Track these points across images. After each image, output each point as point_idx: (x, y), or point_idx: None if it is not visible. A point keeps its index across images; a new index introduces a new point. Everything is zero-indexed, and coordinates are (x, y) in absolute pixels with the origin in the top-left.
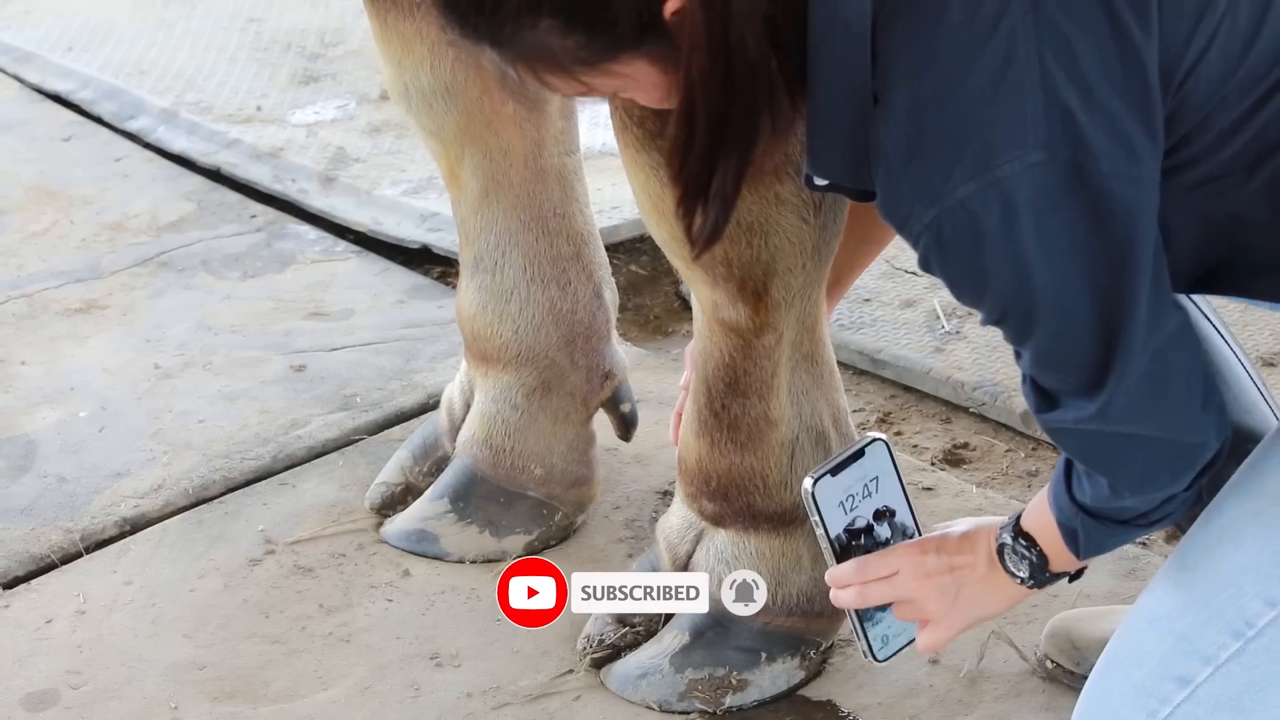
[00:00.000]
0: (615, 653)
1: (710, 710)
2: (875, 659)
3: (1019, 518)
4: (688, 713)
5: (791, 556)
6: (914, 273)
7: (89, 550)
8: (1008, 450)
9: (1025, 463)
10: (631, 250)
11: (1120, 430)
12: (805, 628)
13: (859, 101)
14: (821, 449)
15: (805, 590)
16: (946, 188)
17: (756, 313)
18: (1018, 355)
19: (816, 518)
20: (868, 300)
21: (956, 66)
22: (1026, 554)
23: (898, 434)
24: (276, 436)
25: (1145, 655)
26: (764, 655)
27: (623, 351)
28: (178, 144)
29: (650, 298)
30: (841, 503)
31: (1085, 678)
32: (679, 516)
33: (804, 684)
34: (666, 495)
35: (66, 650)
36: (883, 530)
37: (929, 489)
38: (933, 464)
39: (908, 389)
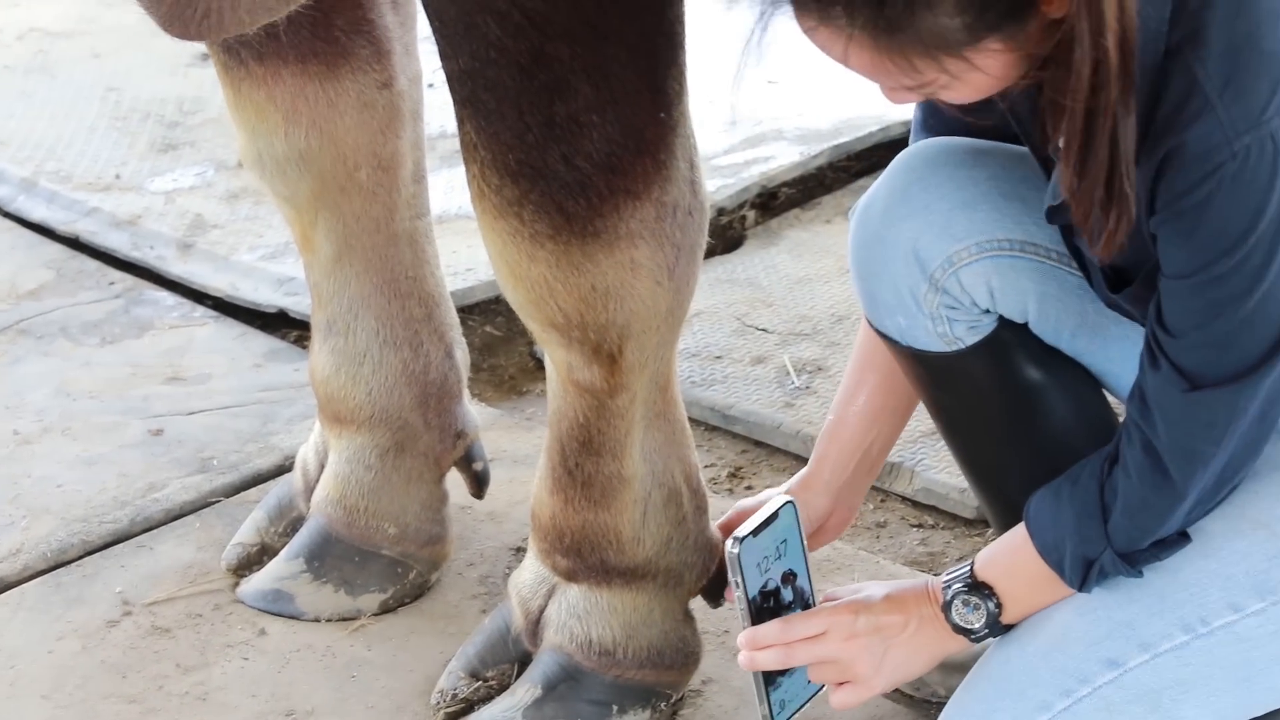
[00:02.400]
0: (469, 707)
1: None
2: None
3: (971, 568)
4: None
5: (643, 610)
6: (764, 330)
7: None
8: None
9: (873, 514)
10: (487, 311)
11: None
12: (656, 680)
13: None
14: (673, 505)
15: (656, 643)
16: (1263, 117)
17: (611, 374)
18: (1166, 330)
19: (738, 578)
20: (719, 357)
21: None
22: (983, 604)
23: (748, 488)
24: (134, 500)
25: (1071, 639)
26: (615, 708)
27: (474, 410)
28: (37, 213)
29: (505, 358)
30: (758, 564)
31: (925, 701)
32: (532, 572)
33: None
34: (519, 551)
35: None
36: (787, 593)
37: None
38: None
39: (759, 444)
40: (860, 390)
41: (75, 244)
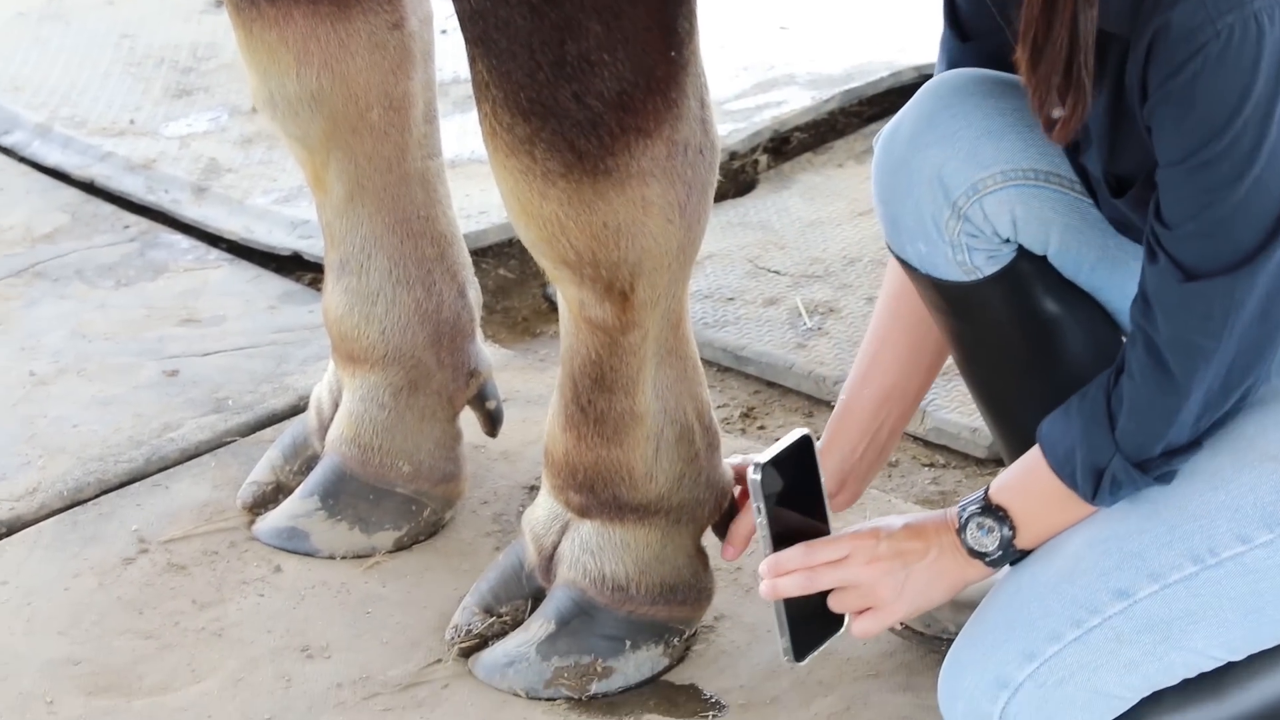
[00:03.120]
0: (483, 642)
1: (576, 697)
2: (795, 659)
3: (985, 492)
4: (554, 699)
5: (656, 546)
6: (776, 272)
7: None
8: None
9: None
10: (499, 254)
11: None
12: (669, 616)
13: None
14: (686, 442)
15: (669, 580)
16: None
17: (623, 311)
18: (1163, 223)
19: (760, 504)
20: (731, 299)
21: None
22: (996, 527)
23: (761, 428)
24: (150, 439)
25: (1081, 570)
26: (629, 643)
27: (487, 350)
28: (52, 158)
29: (518, 300)
30: (778, 491)
31: (935, 639)
32: (545, 508)
33: (667, 670)
34: (533, 490)
35: None
36: (806, 522)
37: None
38: None
39: (770, 384)
40: (872, 372)
41: (90, 188)
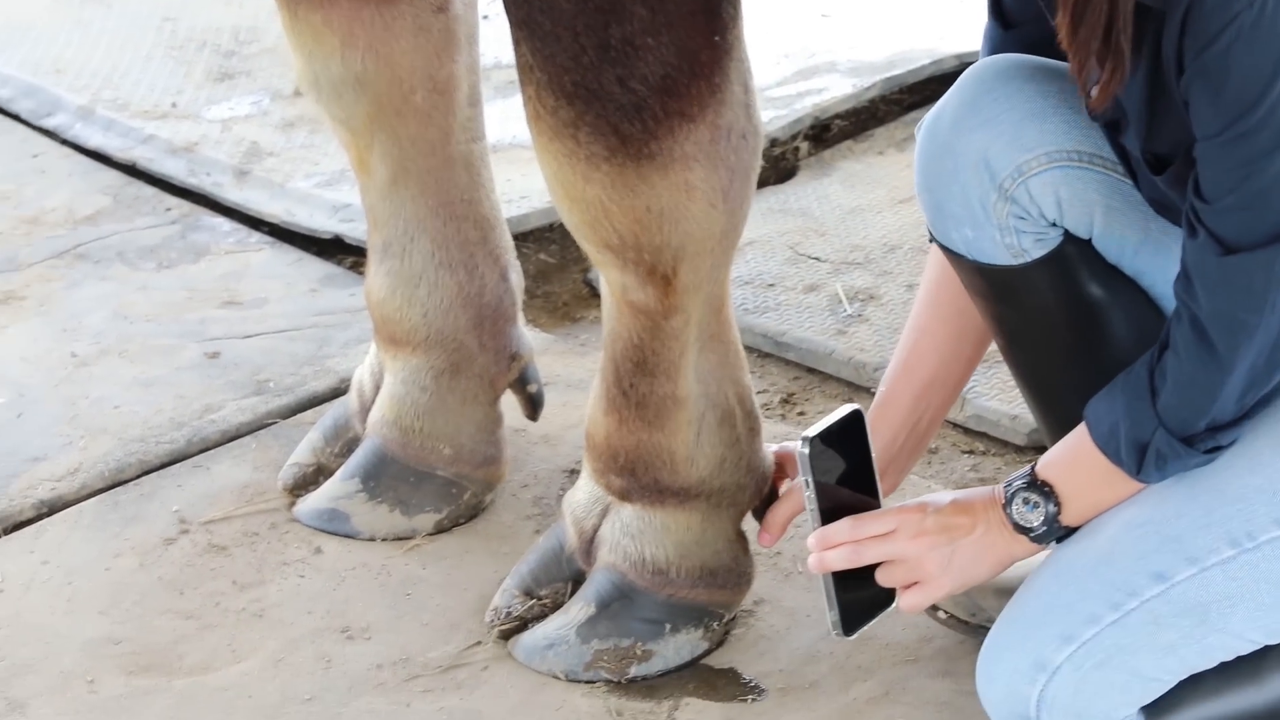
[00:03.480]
0: (523, 624)
1: (615, 679)
2: (843, 633)
3: (1032, 468)
4: (593, 682)
5: (696, 530)
6: (817, 258)
7: (6, 532)
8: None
9: None
10: (541, 239)
11: None
12: (709, 599)
13: None
14: (727, 426)
15: (709, 564)
16: None
17: (665, 296)
18: (1201, 198)
19: (808, 478)
20: (771, 285)
21: None
22: (1041, 503)
23: (801, 414)
24: (191, 421)
25: (1119, 553)
26: (668, 626)
27: (528, 334)
28: (94, 140)
29: (559, 285)
30: (827, 466)
31: (980, 627)
32: (586, 492)
33: (707, 654)
34: (573, 474)
35: None
36: (854, 497)
37: None
38: None
39: (810, 370)
40: (912, 361)
41: (132, 171)
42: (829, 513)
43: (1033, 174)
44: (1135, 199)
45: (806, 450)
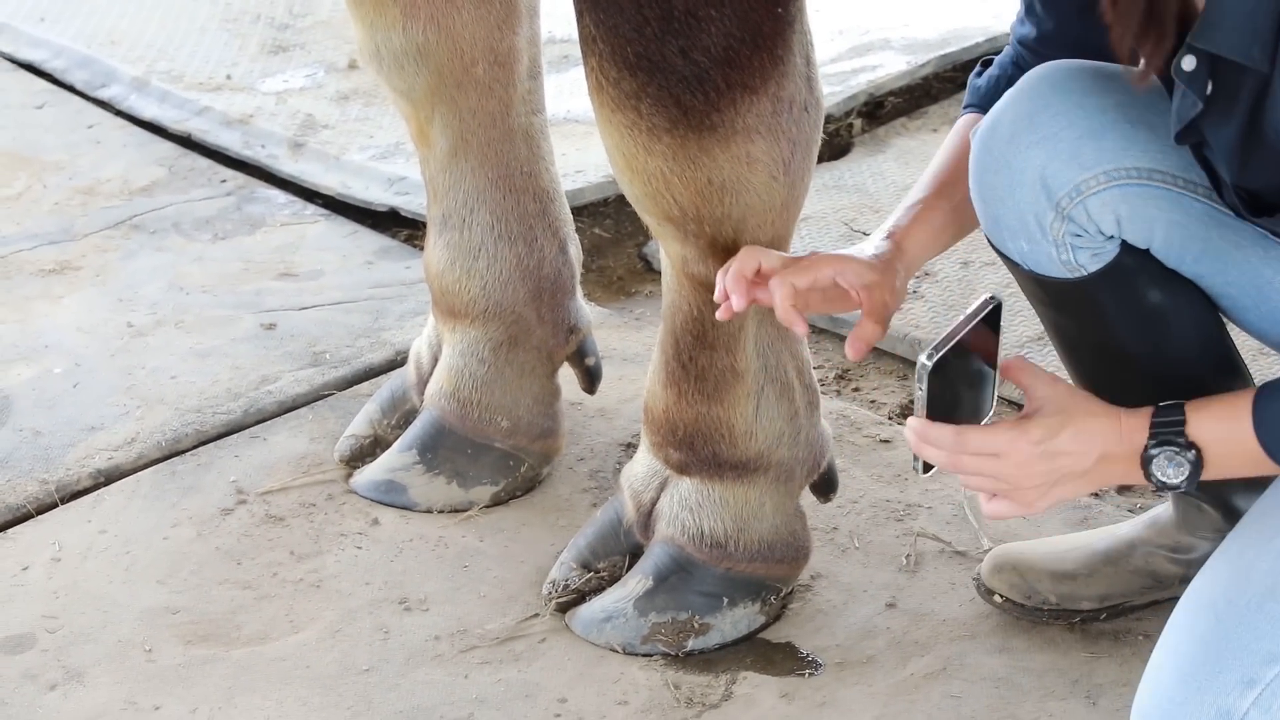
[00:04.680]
0: (580, 597)
1: (672, 653)
2: (922, 472)
3: (1182, 425)
4: (650, 655)
5: (755, 504)
6: (867, 234)
7: (64, 501)
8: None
9: None
10: (595, 213)
11: None
12: (766, 573)
13: None
14: (786, 400)
15: (767, 537)
16: None
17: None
18: None
19: (921, 391)
20: None
21: None
22: (1188, 465)
23: (856, 390)
24: (247, 392)
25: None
26: (726, 600)
27: (586, 307)
28: (149, 111)
29: (614, 259)
30: (945, 368)
31: (1036, 610)
32: (644, 465)
33: (764, 628)
34: (629, 448)
35: (43, 596)
36: (968, 400)
37: (886, 441)
38: (890, 418)
39: None
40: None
41: (187, 142)
42: (938, 403)
43: (1091, 193)
44: (1197, 210)
45: (929, 363)
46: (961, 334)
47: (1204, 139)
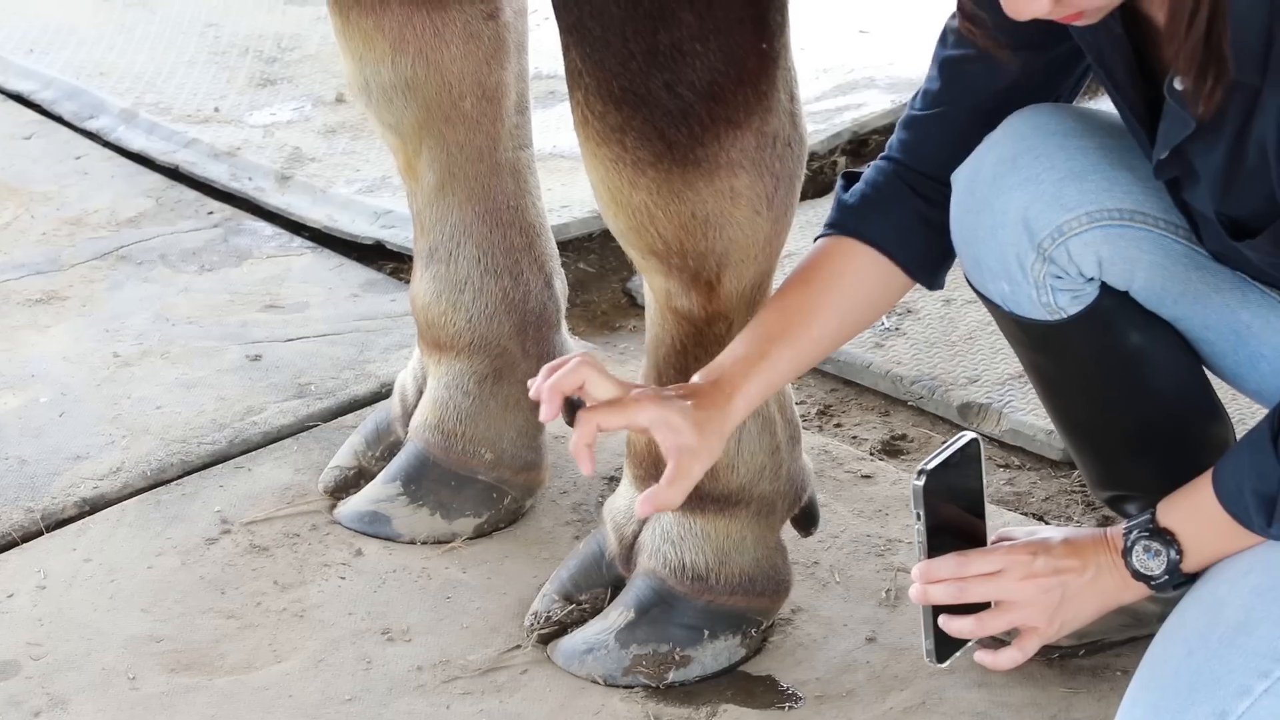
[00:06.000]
0: (562, 629)
1: (653, 685)
2: (937, 661)
3: (1153, 515)
4: (632, 687)
5: (736, 537)
6: None
7: (49, 529)
8: (944, 441)
9: None
10: (580, 248)
11: None
12: (747, 606)
13: None
14: (768, 434)
15: (748, 570)
16: None
17: (709, 302)
18: None
19: (919, 510)
20: None
21: None
22: (1164, 550)
23: (838, 425)
24: (233, 422)
25: (1256, 621)
26: (707, 633)
27: (571, 341)
28: (137, 143)
29: (598, 294)
30: (940, 498)
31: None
32: (626, 498)
33: (745, 660)
34: (612, 481)
35: (27, 623)
36: (962, 530)
37: (867, 477)
38: (871, 454)
39: (848, 383)
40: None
41: (174, 174)
42: (936, 539)
43: (1073, 234)
44: (1176, 252)
45: (921, 483)
46: (948, 455)
47: (1189, 167)
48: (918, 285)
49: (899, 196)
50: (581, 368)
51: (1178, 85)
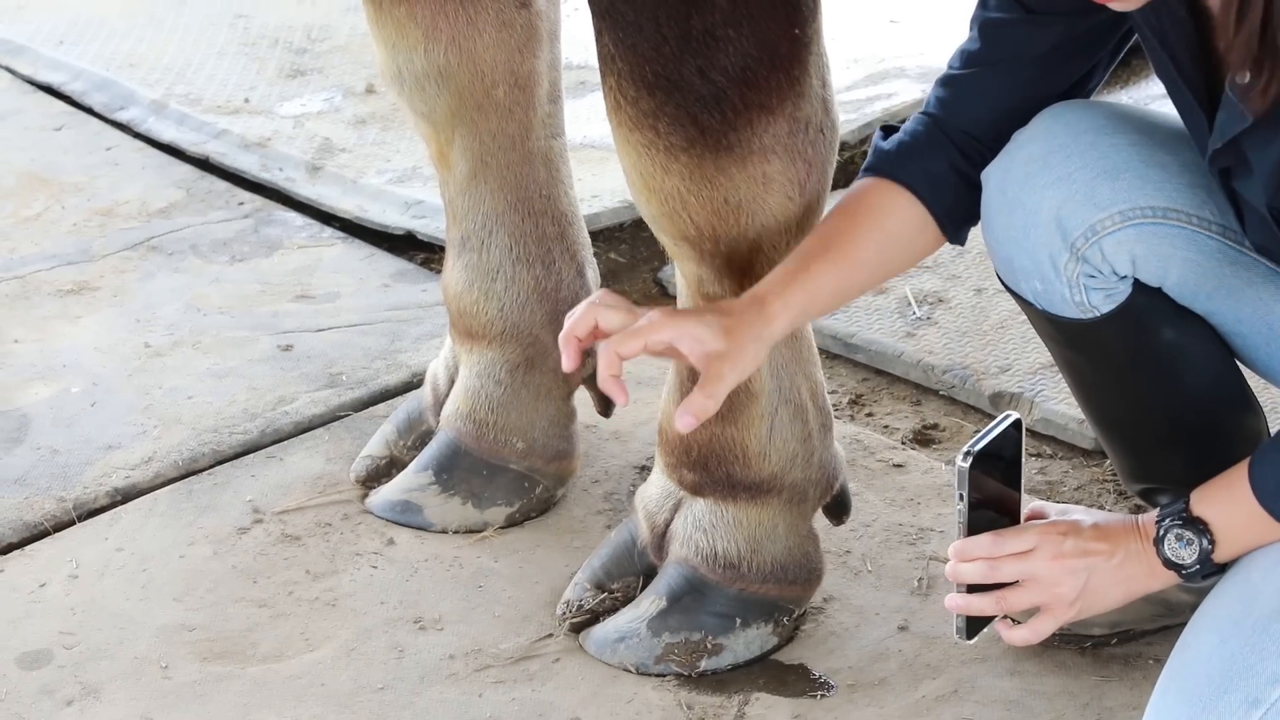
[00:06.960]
0: (594, 617)
1: (685, 673)
2: (965, 638)
3: (1186, 504)
4: (664, 675)
5: (768, 525)
6: None
7: (81, 519)
8: (976, 430)
9: None
10: (611, 238)
11: None
12: (779, 595)
13: None
14: (799, 421)
15: (780, 559)
16: None
17: (741, 288)
18: None
19: (963, 491)
20: None
21: None
22: (1197, 539)
23: (869, 415)
24: (264, 412)
25: None
26: (739, 621)
27: None
28: (167, 134)
29: (628, 284)
30: (980, 479)
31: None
32: (658, 486)
33: (777, 649)
34: (644, 470)
35: (60, 613)
36: (1001, 510)
37: (899, 466)
38: (903, 443)
39: (879, 372)
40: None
41: (205, 165)
42: (975, 517)
43: (1107, 233)
44: (1211, 248)
45: (967, 465)
46: (992, 437)
47: (1243, 158)
48: (954, 275)
49: (937, 145)
50: (592, 308)
51: (1238, 79)
